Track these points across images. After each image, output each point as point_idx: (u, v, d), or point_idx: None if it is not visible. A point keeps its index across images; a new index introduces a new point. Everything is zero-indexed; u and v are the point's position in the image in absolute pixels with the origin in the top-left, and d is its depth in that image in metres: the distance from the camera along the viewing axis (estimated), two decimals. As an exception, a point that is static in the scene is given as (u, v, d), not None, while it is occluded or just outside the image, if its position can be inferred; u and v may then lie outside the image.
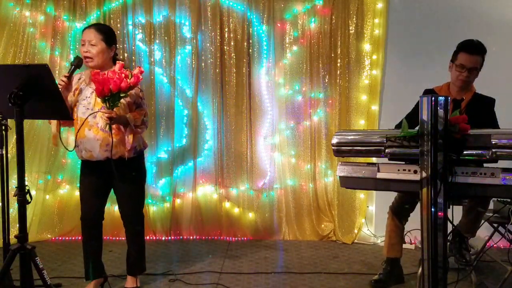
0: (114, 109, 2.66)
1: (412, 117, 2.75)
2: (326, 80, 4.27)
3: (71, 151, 2.83)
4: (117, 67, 2.72)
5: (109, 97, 2.59)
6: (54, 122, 2.81)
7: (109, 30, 2.96)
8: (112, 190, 3.03)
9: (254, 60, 4.27)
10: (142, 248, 3.14)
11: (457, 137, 2.00)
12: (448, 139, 1.97)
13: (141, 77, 2.72)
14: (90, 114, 2.76)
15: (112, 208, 3.94)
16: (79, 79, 2.92)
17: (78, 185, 4.14)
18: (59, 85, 2.69)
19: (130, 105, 2.86)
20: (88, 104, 2.81)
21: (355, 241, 4.24)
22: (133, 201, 3.03)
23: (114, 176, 2.82)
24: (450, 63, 3.11)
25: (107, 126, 2.72)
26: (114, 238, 4.18)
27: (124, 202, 3.01)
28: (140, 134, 2.93)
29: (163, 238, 4.30)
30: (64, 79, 2.73)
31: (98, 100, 2.71)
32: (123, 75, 2.61)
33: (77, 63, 2.80)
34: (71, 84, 2.83)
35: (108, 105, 2.62)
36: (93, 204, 2.97)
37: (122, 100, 2.72)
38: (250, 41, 4.25)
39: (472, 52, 2.97)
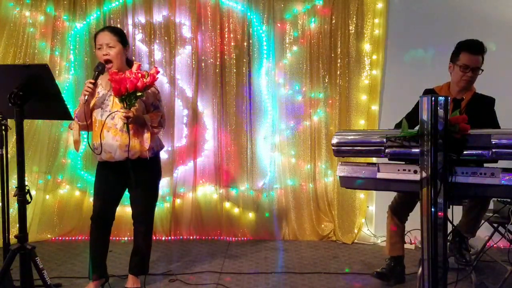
0: (132, 109, 2.70)
1: (412, 116, 2.76)
2: (326, 80, 4.27)
3: (99, 153, 2.85)
4: (134, 67, 2.80)
5: (126, 96, 2.65)
6: (76, 128, 2.84)
7: (122, 31, 3.03)
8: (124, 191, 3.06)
9: (254, 60, 4.28)
10: (148, 248, 3.15)
11: (457, 137, 2.00)
12: (448, 139, 1.96)
13: (157, 76, 2.76)
14: (109, 115, 2.80)
15: (112, 208, 3.93)
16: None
17: (78, 184, 4.26)
18: (85, 91, 2.73)
19: (148, 106, 2.91)
20: (106, 106, 2.86)
21: (355, 241, 4.24)
22: (146, 202, 3.06)
23: (130, 177, 2.83)
24: (450, 63, 3.11)
25: (125, 126, 2.76)
26: (114, 238, 4.14)
27: (138, 202, 3.04)
28: (156, 134, 2.97)
29: (163, 238, 4.30)
30: (90, 85, 2.75)
31: (117, 101, 2.76)
32: (139, 74, 2.67)
33: (102, 69, 2.83)
34: (95, 89, 2.85)
35: (125, 104, 2.69)
36: (107, 205, 2.99)
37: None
38: (250, 41, 4.25)
39: (475, 52, 2.98)
